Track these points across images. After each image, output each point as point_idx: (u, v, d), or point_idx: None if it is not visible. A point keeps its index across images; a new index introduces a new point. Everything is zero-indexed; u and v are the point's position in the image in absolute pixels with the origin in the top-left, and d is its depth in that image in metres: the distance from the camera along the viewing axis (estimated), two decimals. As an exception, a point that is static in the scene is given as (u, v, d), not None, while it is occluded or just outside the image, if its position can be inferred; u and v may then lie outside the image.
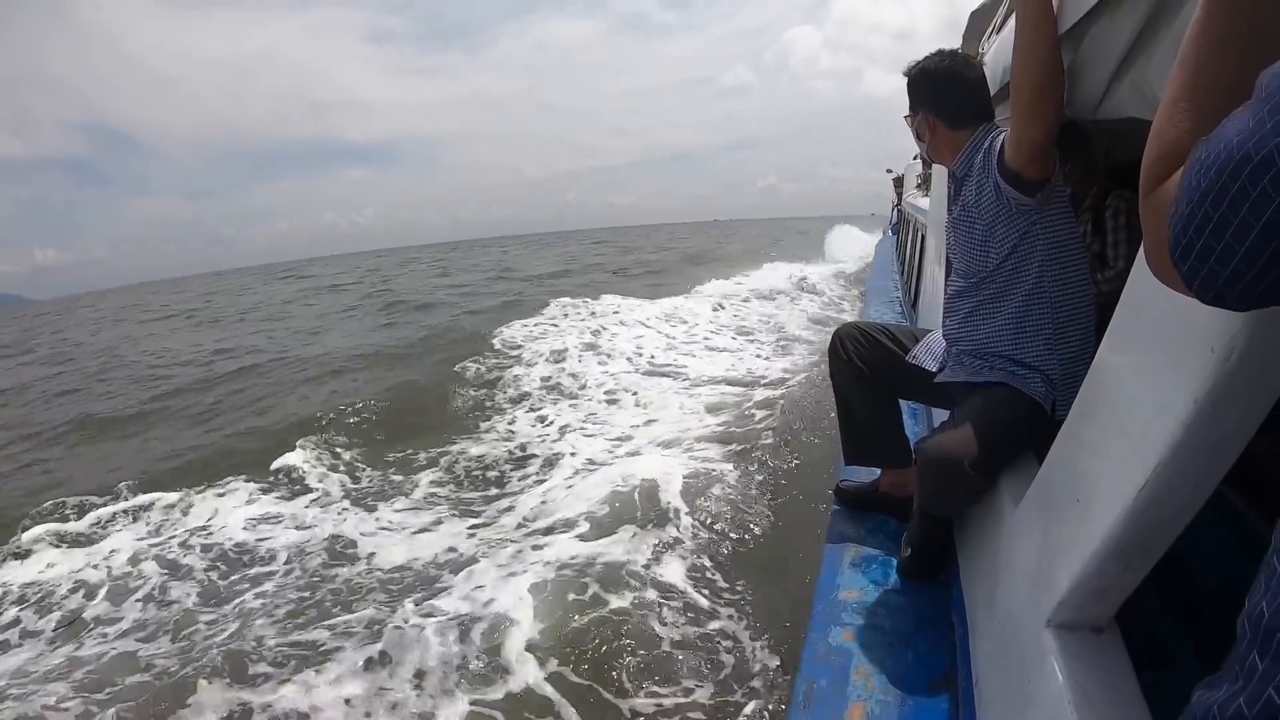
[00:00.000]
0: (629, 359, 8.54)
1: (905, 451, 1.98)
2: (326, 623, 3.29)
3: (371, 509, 4.79)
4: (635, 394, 6.94)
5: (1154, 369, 0.81)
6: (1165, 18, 0.90)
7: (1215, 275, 0.47)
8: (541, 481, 4.94)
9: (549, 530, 4.03)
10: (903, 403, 2.07)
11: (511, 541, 3.95)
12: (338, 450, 6.06)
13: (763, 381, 6.99)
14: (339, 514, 4.70)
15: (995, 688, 1.19)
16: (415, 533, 4.33)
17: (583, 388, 7.40)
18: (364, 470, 5.69)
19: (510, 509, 4.52)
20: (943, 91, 1.63)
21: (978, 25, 3.24)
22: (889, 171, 15.38)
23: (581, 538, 3.83)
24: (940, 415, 1.95)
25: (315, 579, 3.82)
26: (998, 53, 1.84)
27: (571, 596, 3.22)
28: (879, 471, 2.08)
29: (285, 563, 4.08)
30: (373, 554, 4.07)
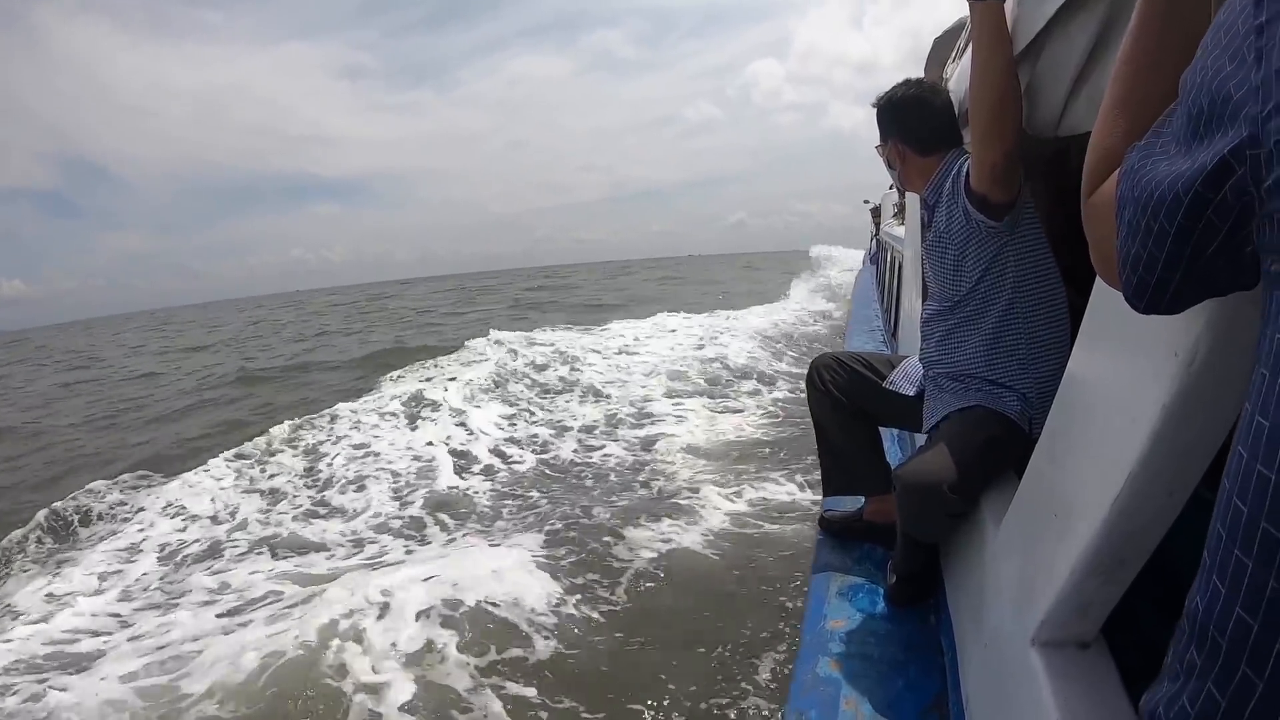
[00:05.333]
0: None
1: (887, 478, 1.96)
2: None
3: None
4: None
5: (1120, 379, 0.81)
6: (1116, 30, 0.90)
7: (1145, 284, 0.47)
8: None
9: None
10: (886, 429, 2.05)
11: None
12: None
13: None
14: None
15: (985, 711, 1.17)
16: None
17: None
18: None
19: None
20: (911, 119, 1.66)
21: (940, 52, 3.23)
22: (866, 202, 15.53)
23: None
24: (923, 439, 1.95)
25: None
26: (960, 78, 1.87)
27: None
28: (863, 500, 2.06)
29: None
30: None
